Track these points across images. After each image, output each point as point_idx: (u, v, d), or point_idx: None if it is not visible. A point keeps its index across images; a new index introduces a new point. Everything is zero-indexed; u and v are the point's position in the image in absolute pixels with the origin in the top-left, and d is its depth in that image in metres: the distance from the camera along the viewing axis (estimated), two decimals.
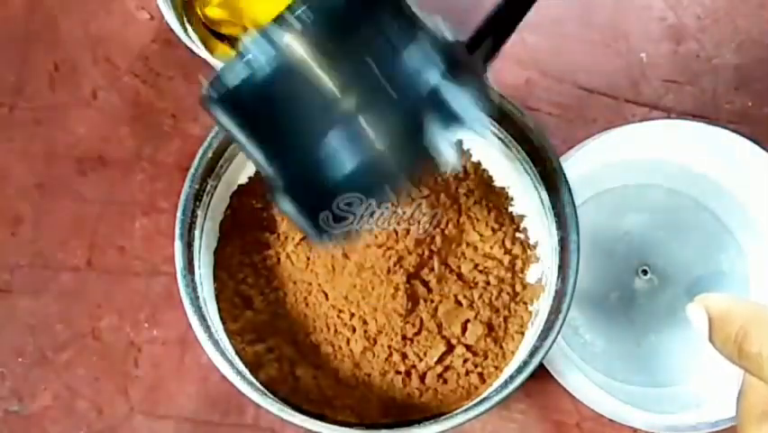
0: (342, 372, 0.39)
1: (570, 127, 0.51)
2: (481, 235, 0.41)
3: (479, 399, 0.37)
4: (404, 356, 0.39)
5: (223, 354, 0.36)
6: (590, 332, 0.47)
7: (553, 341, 0.36)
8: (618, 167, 0.48)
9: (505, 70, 0.52)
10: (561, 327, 0.36)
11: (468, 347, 0.39)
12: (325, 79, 0.27)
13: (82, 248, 0.48)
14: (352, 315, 0.39)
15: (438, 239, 0.40)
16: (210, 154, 0.39)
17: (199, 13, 0.49)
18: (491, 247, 0.41)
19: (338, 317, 0.39)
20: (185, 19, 0.50)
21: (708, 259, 0.48)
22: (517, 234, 0.42)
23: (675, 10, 0.53)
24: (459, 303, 0.39)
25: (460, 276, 0.40)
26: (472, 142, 0.43)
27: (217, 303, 0.40)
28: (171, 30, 0.45)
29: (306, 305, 0.40)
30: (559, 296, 0.37)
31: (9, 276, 0.48)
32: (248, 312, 0.40)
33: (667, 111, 0.51)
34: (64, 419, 0.45)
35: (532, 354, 0.36)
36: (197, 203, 0.39)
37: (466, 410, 0.36)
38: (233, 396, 0.46)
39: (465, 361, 0.39)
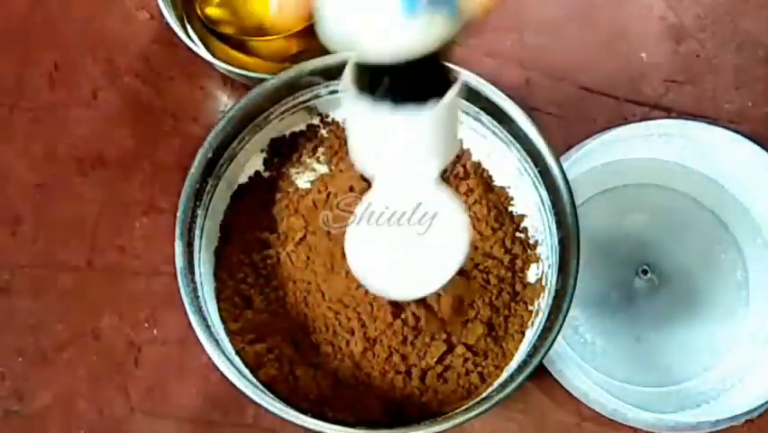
0: (341, 372, 0.39)
1: (570, 127, 0.50)
2: (482, 235, 0.41)
3: (479, 398, 0.37)
4: (404, 356, 0.39)
5: (223, 353, 0.36)
6: (590, 332, 0.47)
7: (553, 341, 0.36)
8: (618, 167, 0.48)
9: (505, 70, 0.52)
10: (561, 327, 0.36)
11: (468, 347, 0.39)
12: None
13: (82, 248, 0.48)
14: (352, 315, 0.39)
15: None
16: (210, 154, 0.39)
17: (199, 13, 0.49)
18: (491, 247, 0.41)
19: (337, 317, 0.39)
20: (185, 19, 0.50)
21: (708, 259, 0.48)
22: (517, 234, 0.42)
23: (675, 10, 0.53)
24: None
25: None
26: (472, 142, 0.43)
27: (217, 303, 0.40)
28: (171, 30, 0.45)
29: (306, 305, 0.40)
30: (559, 296, 0.37)
31: (9, 276, 0.48)
32: (248, 312, 0.40)
33: (667, 111, 0.51)
34: (64, 419, 0.45)
35: (532, 354, 0.36)
36: (197, 203, 0.39)
37: (466, 410, 0.36)
38: (233, 396, 0.45)
39: (465, 360, 0.39)
